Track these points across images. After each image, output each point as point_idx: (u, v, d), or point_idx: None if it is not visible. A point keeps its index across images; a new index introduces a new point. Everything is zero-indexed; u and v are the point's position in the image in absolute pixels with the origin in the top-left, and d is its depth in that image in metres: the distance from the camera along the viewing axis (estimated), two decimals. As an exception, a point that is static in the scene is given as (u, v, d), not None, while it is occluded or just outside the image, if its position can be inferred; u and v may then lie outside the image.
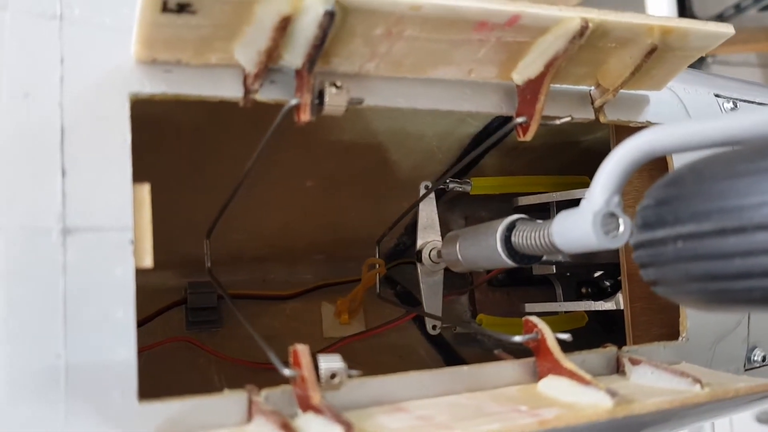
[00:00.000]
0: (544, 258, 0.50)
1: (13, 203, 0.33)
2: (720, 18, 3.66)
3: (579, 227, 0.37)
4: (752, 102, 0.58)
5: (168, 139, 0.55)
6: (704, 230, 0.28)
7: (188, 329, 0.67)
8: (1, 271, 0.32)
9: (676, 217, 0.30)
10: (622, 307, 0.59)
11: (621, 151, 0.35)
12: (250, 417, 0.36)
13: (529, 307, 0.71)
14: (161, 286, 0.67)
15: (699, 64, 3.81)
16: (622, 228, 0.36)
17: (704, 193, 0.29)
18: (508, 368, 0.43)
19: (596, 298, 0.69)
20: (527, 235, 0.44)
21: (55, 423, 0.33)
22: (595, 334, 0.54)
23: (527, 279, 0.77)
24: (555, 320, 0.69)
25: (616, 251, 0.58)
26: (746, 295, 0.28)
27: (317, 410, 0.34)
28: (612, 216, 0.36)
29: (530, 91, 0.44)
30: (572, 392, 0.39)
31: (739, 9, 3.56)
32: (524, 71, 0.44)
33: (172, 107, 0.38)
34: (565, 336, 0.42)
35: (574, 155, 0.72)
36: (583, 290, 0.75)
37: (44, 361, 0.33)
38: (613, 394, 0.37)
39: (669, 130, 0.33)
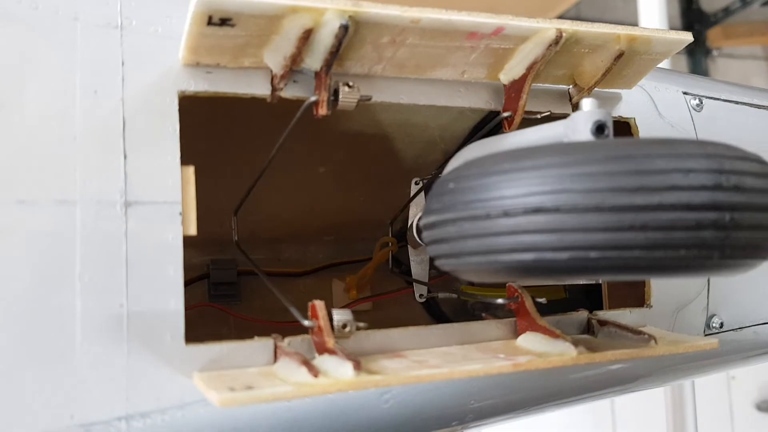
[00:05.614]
0: None
1: (86, 181, 0.40)
2: (726, 11, 3.69)
3: None
4: (717, 99, 0.64)
5: (202, 129, 0.62)
6: (446, 218, 0.34)
7: (210, 302, 0.72)
8: (78, 237, 0.39)
9: (442, 206, 0.36)
10: (600, 282, 0.66)
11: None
12: (275, 359, 0.43)
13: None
14: (186, 262, 0.72)
15: (704, 57, 3.83)
16: None
17: (460, 190, 0.34)
18: (493, 326, 0.50)
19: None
20: None
21: (119, 359, 0.39)
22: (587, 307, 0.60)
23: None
24: (536, 291, 0.75)
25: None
26: (475, 267, 0.33)
27: (331, 352, 0.41)
28: None
29: (515, 89, 0.51)
30: (544, 344, 0.46)
31: (744, 3, 3.59)
32: (509, 73, 0.50)
33: (209, 102, 0.44)
34: (541, 299, 0.49)
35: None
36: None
37: (110, 310, 0.39)
38: (577, 344, 0.44)
39: (486, 142, 0.43)
